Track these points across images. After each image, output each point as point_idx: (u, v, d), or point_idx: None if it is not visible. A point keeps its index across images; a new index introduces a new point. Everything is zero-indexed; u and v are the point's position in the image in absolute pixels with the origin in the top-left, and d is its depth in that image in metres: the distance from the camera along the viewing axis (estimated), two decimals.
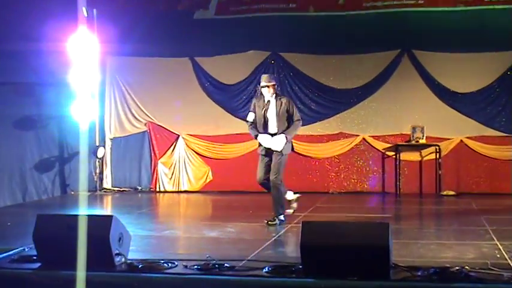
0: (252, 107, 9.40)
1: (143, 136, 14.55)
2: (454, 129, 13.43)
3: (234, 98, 14.15)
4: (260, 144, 9.22)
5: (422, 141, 13.38)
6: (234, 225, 9.16)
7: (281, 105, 9.15)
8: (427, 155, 13.60)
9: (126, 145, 14.61)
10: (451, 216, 10.69)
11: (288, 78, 13.82)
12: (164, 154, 14.42)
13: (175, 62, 14.26)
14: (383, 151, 13.77)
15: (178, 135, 14.39)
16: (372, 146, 13.82)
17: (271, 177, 9.15)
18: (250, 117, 9.37)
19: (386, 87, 13.68)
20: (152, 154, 14.48)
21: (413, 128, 13.41)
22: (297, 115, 9.20)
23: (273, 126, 9.17)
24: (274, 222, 9.10)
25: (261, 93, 9.33)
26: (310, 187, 13.21)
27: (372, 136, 13.82)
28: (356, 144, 13.88)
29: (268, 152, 9.17)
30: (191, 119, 14.28)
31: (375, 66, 13.61)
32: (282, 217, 9.23)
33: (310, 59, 13.95)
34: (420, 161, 13.65)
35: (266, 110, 9.17)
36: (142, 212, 11.43)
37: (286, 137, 9.07)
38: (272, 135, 9.14)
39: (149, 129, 14.45)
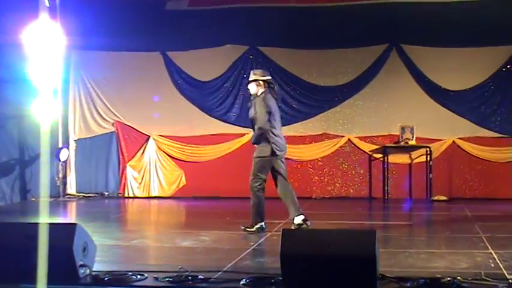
0: None
1: (110, 137, 14.50)
2: (446, 130, 13.52)
3: (210, 96, 14.15)
4: None
5: (412, 142, 13.40)
6: (209, 234, 9.13)
7: (254, 105, 9.10)
8: (417, 158, 13.67)
9: (91, 147, 14.53)
10: (442, 223, 10.73)
11: None
12: (133, 157, 14.38)
13: (146, 57, 14.24)
14: (370, 153, 13.83)
15: (149, 136, 14.36)
16: (358, 147, 13.87)
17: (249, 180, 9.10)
18: None
19: (374, 84, 13.73)
20: (120, 157, 14.45)
21: (402, 129, 13.44)
22: (258, 120, 9.02)
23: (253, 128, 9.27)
24: (250, 230, 9.05)
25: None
26: None
27: (358, 137, 13.87)
28: (341, 146, 13.91)
29: None
30: (163, 118, 14.27)
31: (361, 61, 13.71)
32: (262, 224, 9.13)
33: (292, 53, 13.98)
34: (410, 164, 13.75)
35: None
36: (110, 220, 11.38)
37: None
38: None
39: (117, 129, 14.41)
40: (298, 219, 9.04)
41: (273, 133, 9.01)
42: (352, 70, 13.76)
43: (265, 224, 9.19)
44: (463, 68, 13.37)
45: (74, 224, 6.15)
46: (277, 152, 9.04)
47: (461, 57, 13.39)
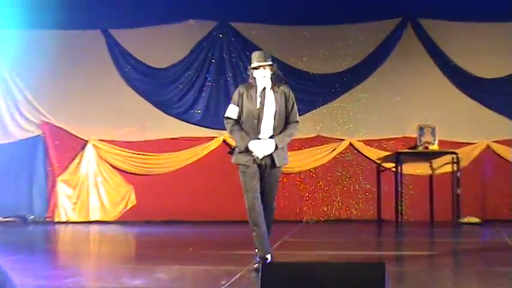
0: (236, 98, 8.89)
1: (35, 143, 14.47)
2: (478, 131, 13.70)
3: (167, 88, 14.26)
4: (248, 153, 8.80)
5: (434, 147, 13.58)
6: (167, 270, 8.96)
7: (280, 97, 8.94)
8: (440, 167, 13.84)
9: (11, 156, 14.48)
10: (473, 252, 10.59)
11: (242, 58, 13.84)
12: (66, 169, 14.43)
13: (82, 37, 14.27)
14: (378, 162, 14.01)
15: (87, 142, 14.37)
16: (362, 154, 14.05)
17: (266, 199, 8.94)
18: (232, 111, 8.89)
19: (383, 71, 13.90)
20: (49, 169, 14.41)
21: (421, 129, 13.63)
22: (296, 114, 8.94)
23: (268, 129, 8.91)
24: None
25: (253, 79, 8.95)
26: (276, 213, 13.01)
27: (363, 141, 14.07)
28: (340, 153, 14.07)
29: (260, 164, 8.87)
30: (105, 118, 14.27)
31: (365, 41, 13.92)
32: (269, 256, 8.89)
33: (274, 31, 14.03)
34: (431, 176, 13.92)
35: (263, 104, 8.89)
36: (35, 252, 11.18)
37: (276, 145, 8.83)
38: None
39: (44, 133, 14.43)
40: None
41: None
42: (353, 53, 13.95)
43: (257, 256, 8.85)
44: (500, 49, 13.51)
45: None
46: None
47: (497, 35, 13.56)
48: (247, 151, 8.76)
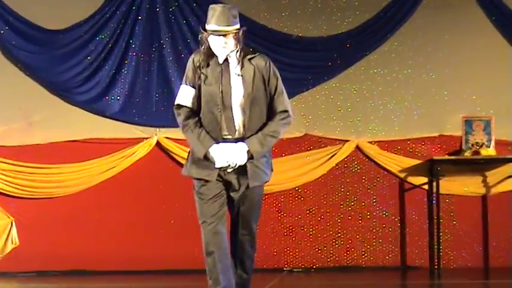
0: (190, 73, 8.15)
1: None
2: None
3: (67, 61, 13.36)
4: (207, 162, 8.00)
5: (489, 151, 12.89)
6: None
7: (253, 74, 7.97)
8: (498, 183, 13.07)
9: None
10: None
11: (186, 13, 13.29)
12: None
13: None
14: (402, 176, 13.17)
15: None
16: (377, 164, 13.27)
17: (242, 231, 8.09)
18: (185, 96, 8.13)
19: (408, 32, 13.24)
20: None
21: (468, 123, 12.96)
22: (283, 99, 7.99)
23: (238, 125, 8.06)
24: None
25: (206, 46, 8.09)
26: None
27: (378, 142, 13.28)
28: (342, 161, 13.33)
29: (228, 180, 7.97)
30: None
31: None
32: None
33: None
34: (484, 197, 13.15)
35: (228, 87, 8.06)
36: None
37: (249, 150, 7.86)
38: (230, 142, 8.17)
39: None
40: None
41: None
42: (361, 3, 13.28)
43: None
44: None
45: None
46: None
47: None
48: (206, 160, 7.96)
